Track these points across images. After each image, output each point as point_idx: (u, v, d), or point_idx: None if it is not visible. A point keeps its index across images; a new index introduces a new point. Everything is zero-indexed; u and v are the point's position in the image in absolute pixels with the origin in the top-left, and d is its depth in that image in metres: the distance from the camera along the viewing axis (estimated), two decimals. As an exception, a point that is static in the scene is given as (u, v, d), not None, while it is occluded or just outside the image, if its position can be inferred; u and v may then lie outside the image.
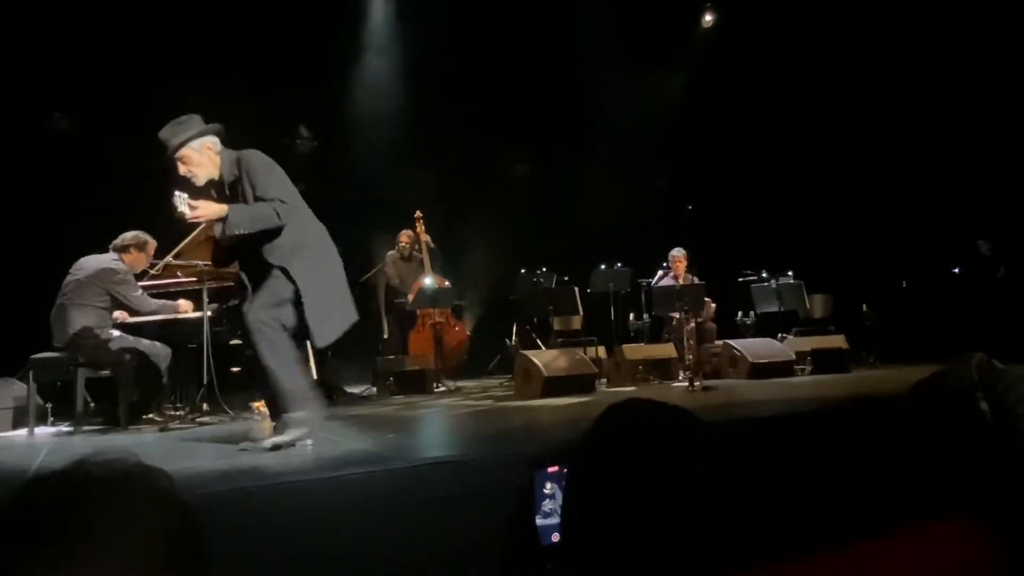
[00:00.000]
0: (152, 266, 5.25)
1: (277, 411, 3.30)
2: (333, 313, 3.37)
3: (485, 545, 1.38)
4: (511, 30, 8.53)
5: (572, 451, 0.94)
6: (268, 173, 3.34)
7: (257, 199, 3.28)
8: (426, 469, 2.62)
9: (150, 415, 4.94)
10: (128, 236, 4.97)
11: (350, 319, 3.48)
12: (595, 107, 9.07)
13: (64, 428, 4.76)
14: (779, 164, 9.10)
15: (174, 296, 5.15)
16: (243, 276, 3.49)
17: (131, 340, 4.78)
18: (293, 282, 3.24)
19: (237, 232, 3.21)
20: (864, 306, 7.90)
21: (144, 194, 6.35)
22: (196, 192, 3.33)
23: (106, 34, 6.57)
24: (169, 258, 5.25)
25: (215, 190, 3.42)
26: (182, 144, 3.30)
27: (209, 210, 3.22)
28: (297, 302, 3.25)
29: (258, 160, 3.37)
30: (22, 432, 4.62)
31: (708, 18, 9.87)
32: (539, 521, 1.25)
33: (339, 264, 3.55)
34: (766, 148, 9.17)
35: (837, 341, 6.96)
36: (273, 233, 3.27)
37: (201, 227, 5.42)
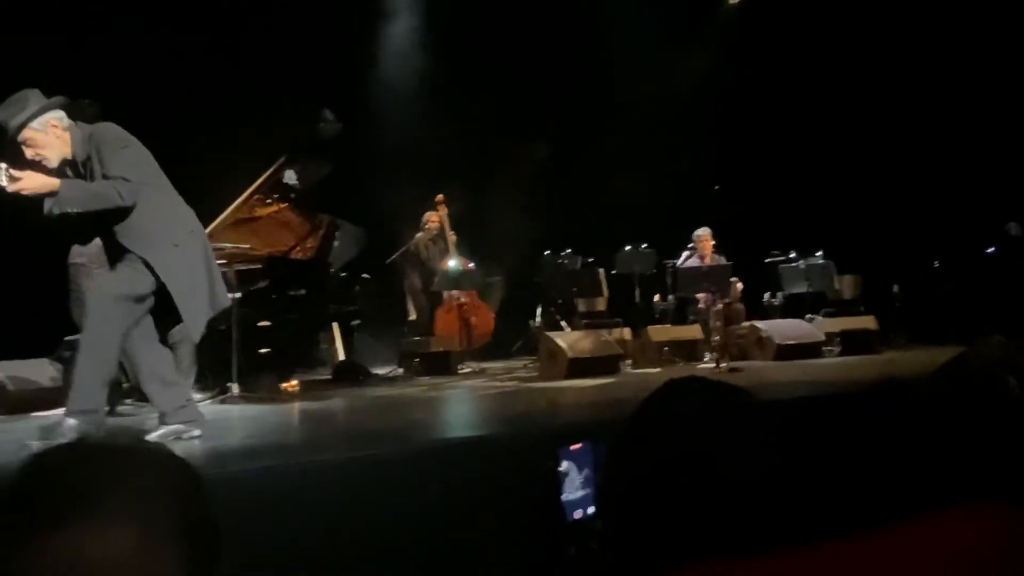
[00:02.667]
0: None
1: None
2: (201, 303, 3.18)
3: (510, 523, 1.39)
4: (534, 7, 8.45)
5: (624, 423, 0.94)
6: (118, 149, 3.06)
7: (104, 177, 3.02)
8: (451, 449, 2.65)
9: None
10: None
11: (219, 306, 3.30)
12: (619, 85, 8.97)
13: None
14: (808, 142, 8.94)
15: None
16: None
17: None
18: (156, 276, 3.02)
19: (68, 210, 2.95)
20: (895, 287, 7.76)
21: (175, 180, 6.46)
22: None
23: (116, 16, 6.57)
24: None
25: (71, 169, 3.13)
26: (22, 126, 2.98)
27: (34, 182, 2.91)
28: (157, 295, 3.05)
29: (111, 135, 3.09)
30: (59, 411, 4.73)
31: (735, -6, 9.69)
32: (563, 498, 1.26)
33: (206, 248, 3.33)
34: (794, 126, 9.01)
35: (866, 322, 6.86)
36: (121, 214, 3.02)
37: (230, 210, 5.50)
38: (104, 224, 3.08)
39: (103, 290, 3.07)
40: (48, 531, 0.56)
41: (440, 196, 7.16)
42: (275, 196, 5.79)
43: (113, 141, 3.07)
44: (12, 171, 2.90)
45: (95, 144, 3.06)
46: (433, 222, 7.13)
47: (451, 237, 7.16)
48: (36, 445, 2.89)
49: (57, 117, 3.06)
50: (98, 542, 0.56)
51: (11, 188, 2.89)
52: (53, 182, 2.96)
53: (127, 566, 0.57)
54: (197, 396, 4.89)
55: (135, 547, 0.57)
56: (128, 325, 3.03)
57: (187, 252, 3.16)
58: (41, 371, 5.07)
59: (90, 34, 6.29)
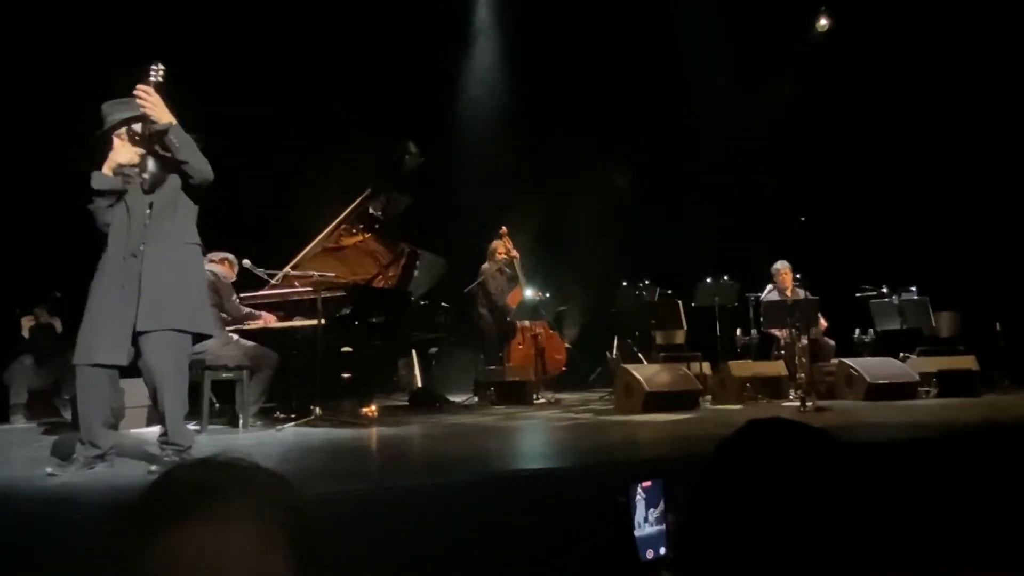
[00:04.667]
0: (271, 276, 5.57)
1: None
2: (175, 305, 3.20)
3: (581, 556, 1.38)
4: (613, 37, 8.50)
5: (702, 462, 0.93)
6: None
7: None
8: (523, 479, 2.64)
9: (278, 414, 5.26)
10: (217, 253, 5.21)
11: (197, 326, 3.33)
12: (700, 114, 8.88)
13: (192, 427, 5.10)
14: (899, 173, 8.57)
15: (290, 305, 5.44)
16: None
17: (246, 344, 5.07)
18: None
19: (171, 141, 3.12)
20: (997, 324, 7.29)
21: (269, 212, 6.78)
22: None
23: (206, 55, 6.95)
24: (287, 269, 5.55)
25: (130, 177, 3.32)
26: (117, 126, 3.25)
27: (159, 107, 3.13)
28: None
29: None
30: (155, 429, 4.98)
31: (823, 22, 9.48)
32: (635, 534, 1.24)
33: (203, 270, 3.55)
34: (884, 156, 8.66)
35: (966, 362, 6.46)
36: (193, 202, 3.25)
37: (318, 239, 5.73)
38: (163, 195, 3.22)
39: (166, 343, 3.19)
40: (180, 527, 0.62)
41: (503, 228, 7.23)
42: (360, 226, 6.01)
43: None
44: (147, 92, 3.12)
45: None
46: (501, 252, 7.20)
47: (518, 262, 7.21)
48: (153, 469, 3.16)
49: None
50: (223, 540, 0.63)
51: (142, 99, 3.12)
52: (170, 116, 3.18)
53: (245, 565, 0.63)
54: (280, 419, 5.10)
55: (253, 549, 0.63)
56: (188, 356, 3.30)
57: (185, 256, 3.27)
58: (140, 391, 5.35)
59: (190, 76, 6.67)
